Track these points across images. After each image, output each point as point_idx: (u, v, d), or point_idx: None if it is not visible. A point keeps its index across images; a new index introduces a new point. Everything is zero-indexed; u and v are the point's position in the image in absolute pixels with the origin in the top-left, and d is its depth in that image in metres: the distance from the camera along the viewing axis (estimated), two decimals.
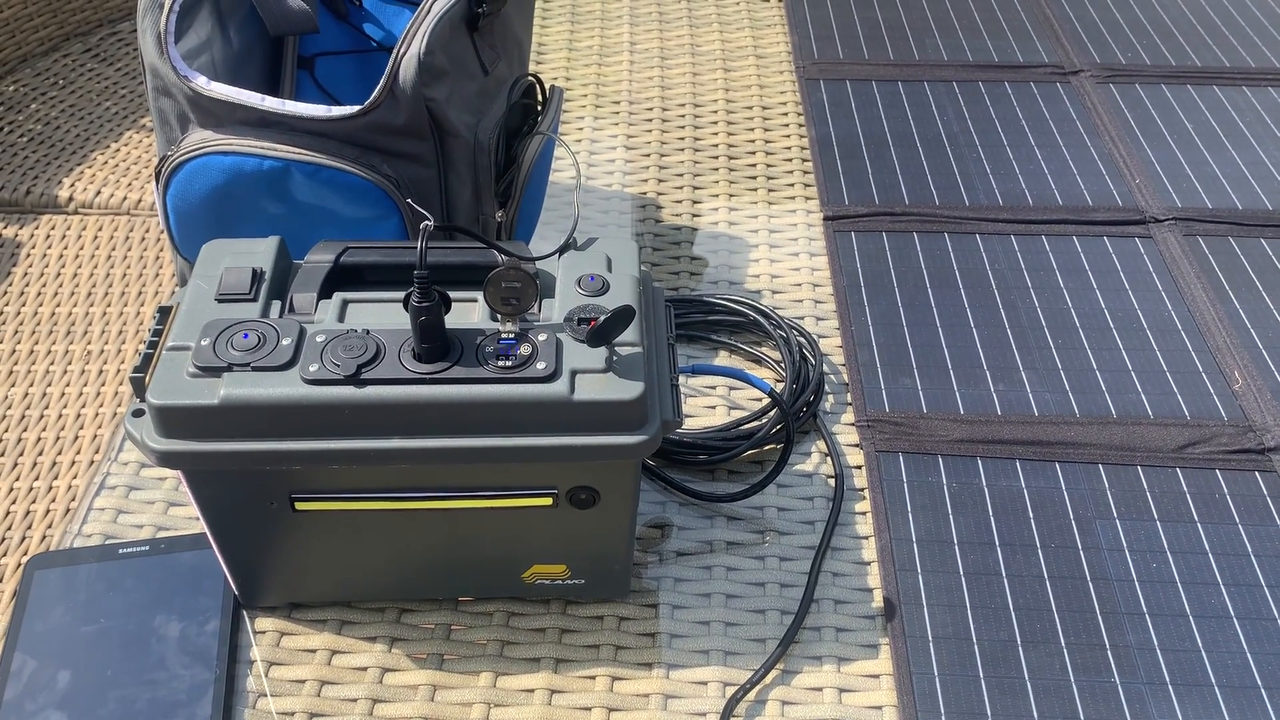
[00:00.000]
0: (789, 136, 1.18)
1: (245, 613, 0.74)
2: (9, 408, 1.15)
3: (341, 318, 0.64)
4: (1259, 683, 0.69)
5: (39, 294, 1.31)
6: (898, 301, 0.96)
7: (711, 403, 0.89)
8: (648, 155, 1.15)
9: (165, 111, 0.81)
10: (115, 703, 0.67)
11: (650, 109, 1.22)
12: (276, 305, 0.65)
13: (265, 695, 0.70)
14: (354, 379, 0.60)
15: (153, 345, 0.63)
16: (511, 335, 0.62)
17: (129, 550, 0.75)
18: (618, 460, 0.62)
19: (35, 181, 1.46)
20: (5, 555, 0.93)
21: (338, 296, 0.65)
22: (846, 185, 1.09)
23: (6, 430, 1.11)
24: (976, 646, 0.71)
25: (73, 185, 1.44)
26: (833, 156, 1.12)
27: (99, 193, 1.43)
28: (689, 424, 0.88)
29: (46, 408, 1.15)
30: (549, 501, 0.66)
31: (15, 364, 1.20)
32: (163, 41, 0.77)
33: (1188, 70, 1.24)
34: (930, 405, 0.87)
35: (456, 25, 0.80)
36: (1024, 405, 0.87)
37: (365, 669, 0.71)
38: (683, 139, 1.18)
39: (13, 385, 1.18)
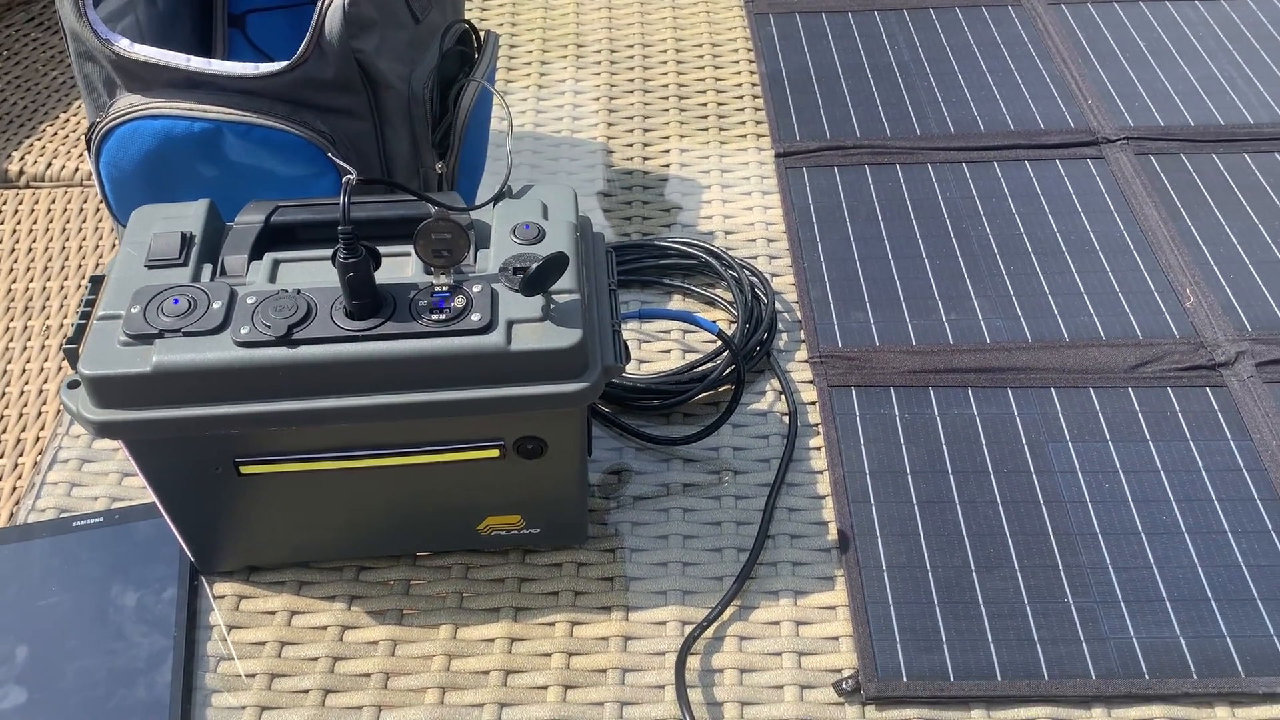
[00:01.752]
0: (740, 74, 1.16)
1: (203, 579, 0.74)
2: None
3: (273, 278, 0.63)
4: (1209, 595, 0.70)
5: None
6: (850, 236, 0.96)
7: (666, 347, 0.89)
8: (596, 99, 1.14)
9: (91, 77, 0.79)
10: (75, 674, 0.67)
11: (599, 51, 1.20)
12: (208, 269, 0.64)
13: (227, 659, 0.70)
14: (285, 339, 0.59)
15: (85, 315, 0.62)
16: (445, 288, 0.61)
17: (82, 523, 0.75)
18: (560, 409, 0.62)
19: None
20: None
21: (269, 257, 0.64)
22: (798, 121, 1.08)
23: None
24: (930, 574, 0.72)
25: (23, 159, 1.42)
26: (784, 92, 1.11)
27: (50, 165, 1.41)
28: (644, 369, 0.87)
29: (8, 385, 1.15)
30: (496, 453, 0.65)
31: None
32: (80, 4, 0.76)
33: None
34: (883, 338, 0.87)
35: None
36: (976, 333, 0.87)
37: (325, 628, 0.71)
38: (632, 80, 1.16)
39: None
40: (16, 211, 1.36)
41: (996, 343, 0.86)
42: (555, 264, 0.60)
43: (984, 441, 0.79)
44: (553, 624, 0.71)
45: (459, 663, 0.70)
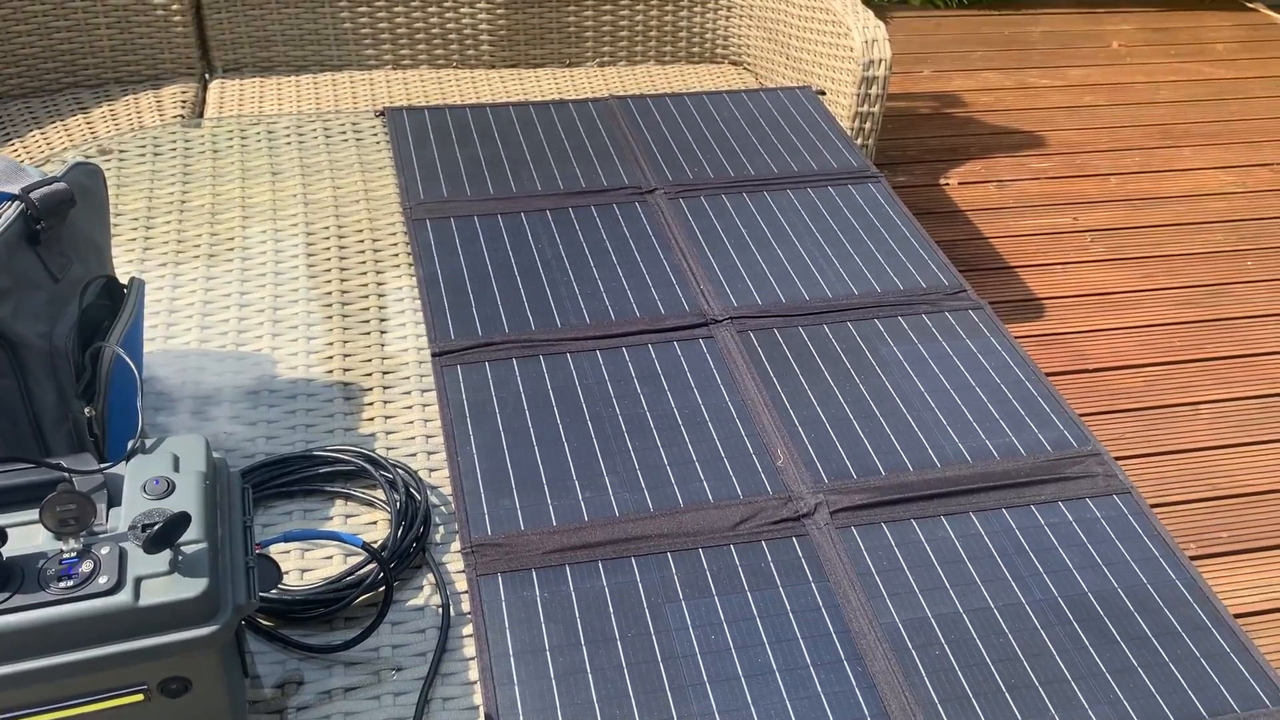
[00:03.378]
0: (399, 277, 1.27)
1: None
2: None
3: None
4: None
5: None
6: (499, 427, 1.07)
7: (328, 554, 0.96)
8: (261, 310, 1.21)
9: None
10: None
11: (263, 261, 1.28)
12: None
13: None
14: None
15: None
16: (74, 554, 0.67)
17: None
18: (194, 651, 0.68)
19: None
20: None
21: None
22: (452, 320, 1.19)
23: None
24: None
25: None
26: (439, 293, 1.22)
27: None
28: (308, 576, 0.94)
29: None
30: (140, 697, 0.70)
31: None
32: None
33: (743, 179, 1.45)
34: (527, 522, 0.98)
35: (15, 243, 0.83)
36: (607, 508, 0.99)
37: None
38: (296, 290, 1.24)
39: None
40: None
41: (624, 515, 0.99)
42: (176, 523, 0.67)
43: (611, 610, 0.91)
44: None
45: None
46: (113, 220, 1.32)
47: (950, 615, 0.92)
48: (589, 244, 1.32)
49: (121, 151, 1.45)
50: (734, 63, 2.49)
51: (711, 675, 0.87)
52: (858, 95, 2.01)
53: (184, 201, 1.37)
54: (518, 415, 1.08)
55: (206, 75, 2.24)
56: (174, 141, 1.48)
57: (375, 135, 1.53)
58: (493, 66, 2.36)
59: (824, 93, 1.71)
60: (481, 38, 2.33)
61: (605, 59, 2.43)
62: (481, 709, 0.85)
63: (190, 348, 1.16)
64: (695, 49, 2.46)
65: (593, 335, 1.18)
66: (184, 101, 2.10)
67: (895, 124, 3.13)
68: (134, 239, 1.30)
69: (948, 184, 2.89)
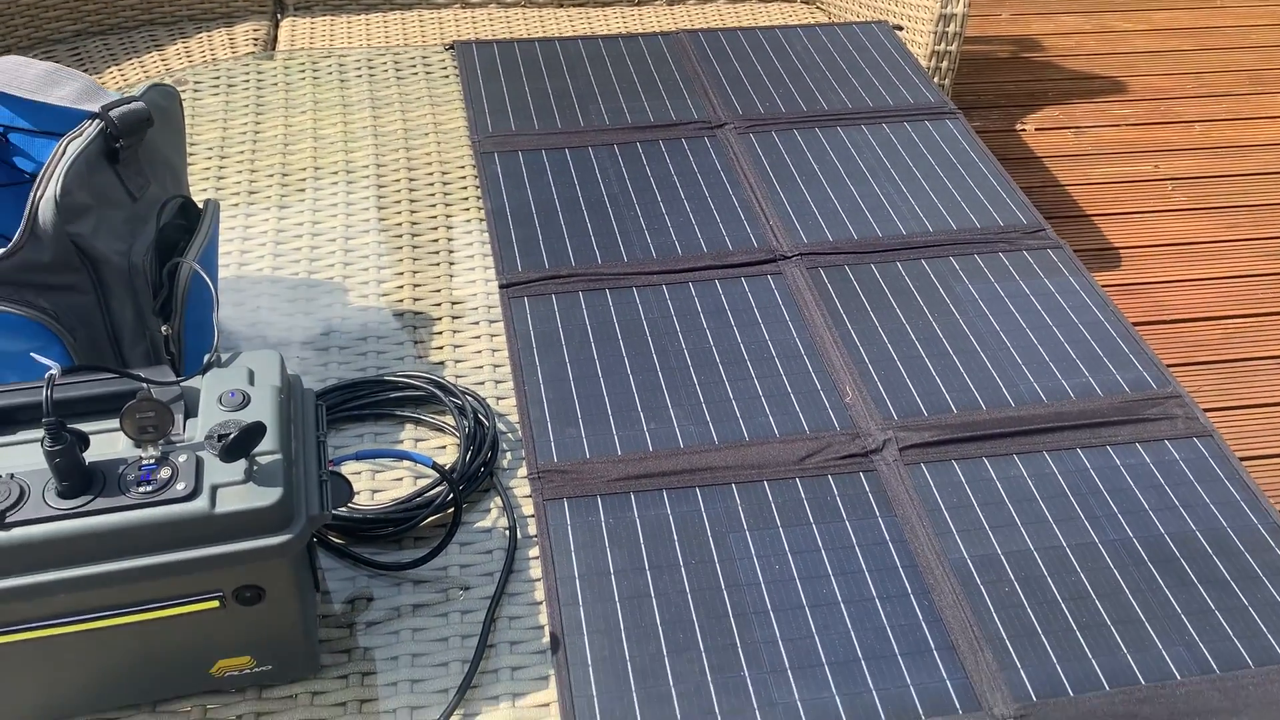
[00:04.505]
0: (468, 210, 1.27)
1: None
2: None
3: None
4: (859, 655, 0.83)
5: None
6: (565, 359, 1.07)
7: (398, 475, 0.97)
8: (333, 240, 1.22)
9: None
10: None
11: (334, 193, 1.29)
12: None
13: None
14: None
15: None
16: (152, 460, 0.68)
17: None
18: (268, 560, 0.69)
19: None
20: None
21: None
22: (520, 253, 1.19)
23: None
24: (629, 664, 0.82)
25: None
26: (507, 227, 1.22)
27: None
28: (378, 498, 0.95)
29: None
30: (216, 604, 0.72)
31: None
32: None
33: (816, 114, 1.42)
34: (592, 451, 0.98)
35: (95, 161, 0.85)
36: (671, 440, 0.99)
37: None
38: (367, 220, 1.25)
39: None
40: None
41: (689, 446, 0.98)
42: (252, 432, 0.68)
43: (675, 538, 0.91)
44: None
45: None
46: (187, 152, 1.34)
47: (1021, 553, 0.90)
48: (656, 179, 1.30)
49: (196, 84, 1.46)
50: (806, 1, 2.43)
51: (775, 604, 0.86)
52: (934, 34, 1.95)
53: (257, 133, 1.38)
54: (583, 347, 1.08)
55: (278, 13, 2.25)
56: (247, 75, 1.49)
57: (445, 69, 1.52)
58: (560, 4, 2.34)
59: (901, 28, 1.66)
60: None
61: None
62: (546, 628, 0.85)
63: (263, 275, 1.18)
64: None
65: (659, 270, 1.17)
66: (255, 39, 2.12)
67: (971, 68, 3.05)
68: (208, 169, 1.32)
69: (1024, 129, 2.81)
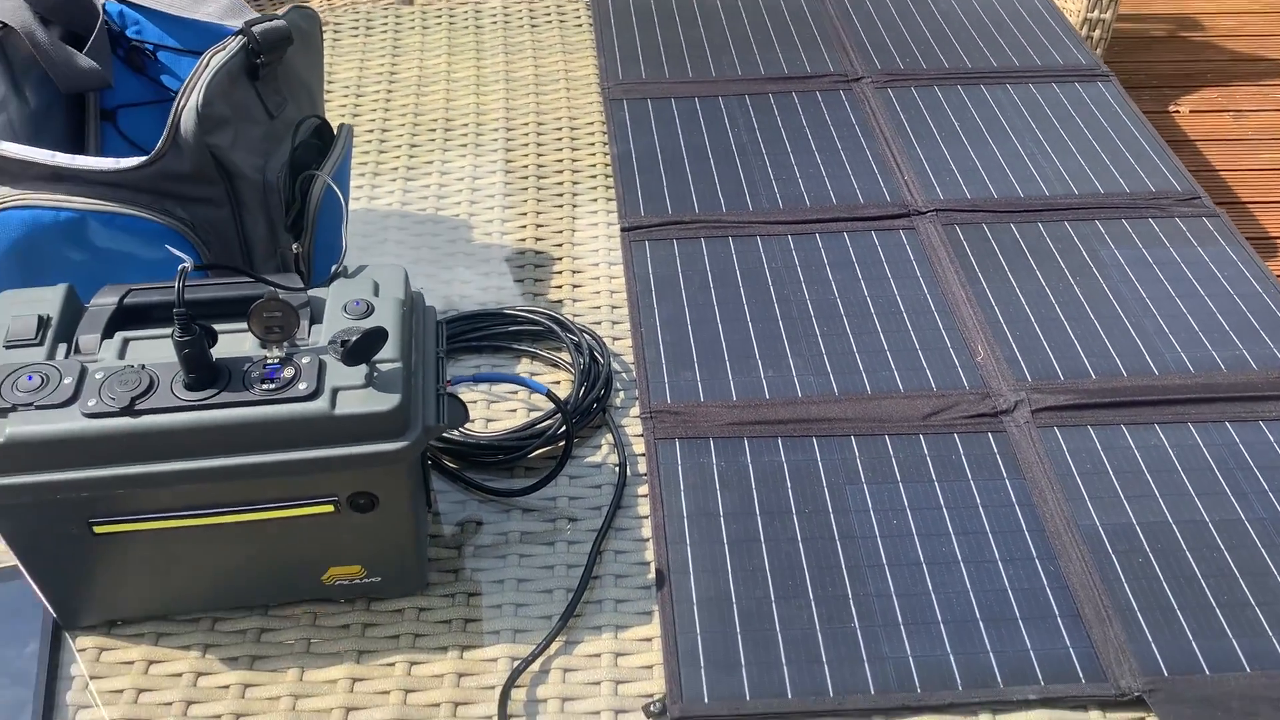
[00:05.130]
0: (594, 155, 1.26)
1: (66, 634, 0.79)
2: None
3: (122, 355, 0.70)
4: (977, 616, 0.79)
5: None
6: (684, 303, 1.05)
7: (512, 407, 0.97)
8: (460, 179, 1.23)
9: None
10: None
11: (464, 135, 1.29)
12: (62, 348, 0.71)
13: (85, 706, 0.75)
14: (129, 410, 0.66)
15: None
16: (276, 360, 0.69)
17: None
18: (384, 466, 0.70)
19: None
20: None
21: (119, 336, 0.71)
22: (643, 198, 1.18)
23: None
24: (735, 605, 0.80)
25: None
26: (631, 172, 1.21)
27: None
28: (491, 427, 0.95)
29: None
30: (331, 509, 0.72)
31: None
32: None
33: (959, 72, 1.36)
34: (707, 395, 0.96)
35: (236, 75, 0.86)
36: (789, 388, 0.96)
37: (180, 674, 0.77)
38: (494, 162, 1.25)
39: None
40: None
41: (807, 396, 0.96)
42: (374, 336, 0.68)
43: (789, 485, 0.88)
44: (392, 664, 0.78)
45: (304, 702, 0.76)
46: (325, 91, 1.36)
47: (1158, 524, 0.85)
48: (787, 129, 1.27)
49: (336, 25, 1.49)
50: None
51: (890, 558, 0.83)
52: (1088, 3, 1.86)
53: (393, 74, 1.40)
54: (703, 292, 1.06)
55: None
56: (385, 18, 1.51)
57: (579, 19, 1.51)
58: None
59: None
60: None
61: None
62: (652, 565, 0.84)
63: (391, 209, 1.19)
64: None
65: (785, 220, 1.14)
66: None
67: (1123, 45, 2.90)
68: (344, 105, 1.34)
69: (1178, 111, 2.66)
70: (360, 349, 0.68)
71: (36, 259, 0.85)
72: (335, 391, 0.68)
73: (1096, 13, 1.87)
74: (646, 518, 0.88)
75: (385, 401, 0.68)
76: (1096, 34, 1.89)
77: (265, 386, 0.67)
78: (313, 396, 0.67)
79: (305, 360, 0.69)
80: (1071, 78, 1.36)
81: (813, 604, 0.80)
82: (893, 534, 0.85)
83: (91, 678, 0.77)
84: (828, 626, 0.79)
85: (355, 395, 0.68)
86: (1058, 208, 1.16)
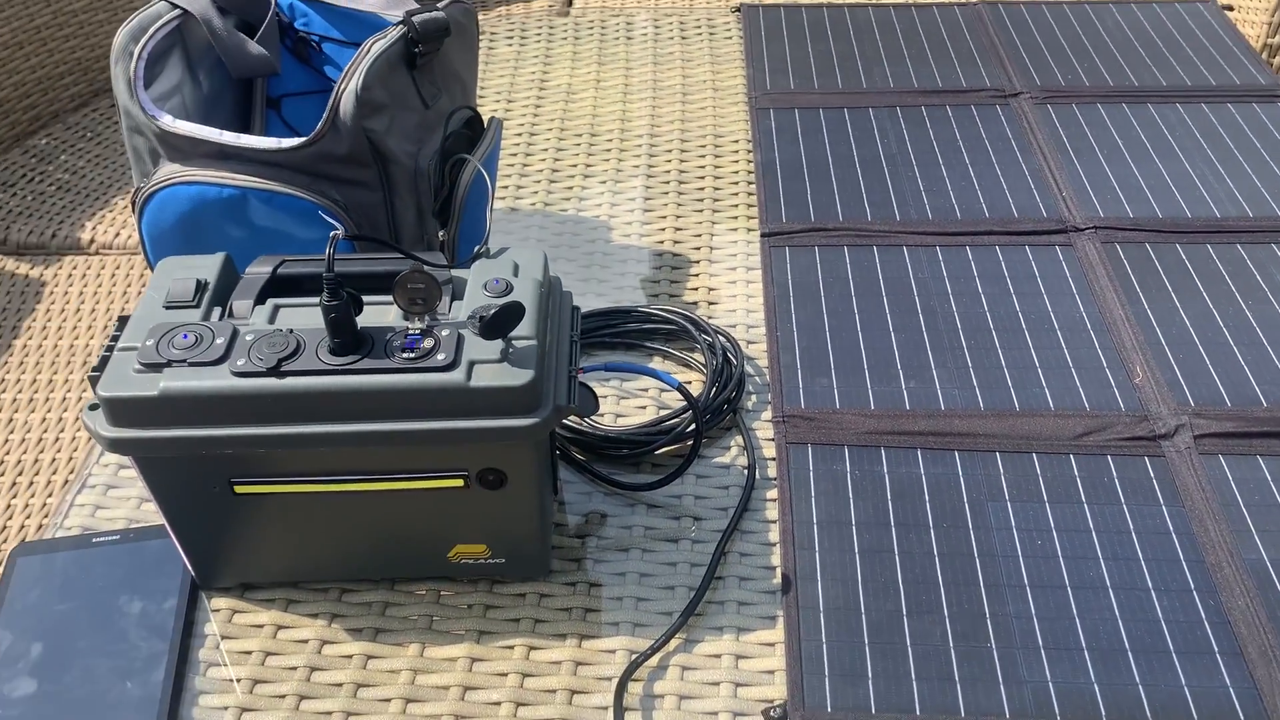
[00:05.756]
0: (737, 163, 1.25)
1: (202, 593, 0.81)
2: (28, 431, 1.26)
3: (272, 320, 0.72)
4: (1126, 646, 0.74)
5: (59, 328, 1.42)
6: (823, 309, 1.03)
7: (642, 403, 0.96)
8: (604, 182, 1.24)
9: (139, 148, 0.90)
10: (80, 670, 0.75)
11: (609, 140, 1.30)
12: (217, 311, 0.73)
13: (215, 665, 0.77)
14: (274, 371, 0.68)
15: (109, 348, 0.72)
16: (417, 331, 0.70)
17: (101, 539, 0.84)
18: (515, 441, 0.70)
19: (60, 226, 1.58)
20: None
21: (271, 302, 0.73)
22: (785, 205, 1.16)
23: (25, 451, 1.23)
24: (864, 616, 0.77)
25: (94, 228, 1.56)
26: (775, 179, 1.19)
27: (118, 234, 1.55)
28: (620, 422, 0.94)
29: (61, 431, 1.26)
30: (461, 483, 0.73)
31: (35, 392, 1.31)
32: (132, 85, 0.87)
33: (1124, 90, 1.30)
34: (843, 402, 0.93)
35: (395, 63, 0.89)
36: (932, 400, 0.93)
37: (306, 641, 0.78)
38: (637, 166, 1.26)
39: (33, 411, 1.28)
40: (84, 276, 1.50)
41: (950, 409, 0.92)
42: (512, 312, 0.68)
43: (927, 498, 0.85)
44: (511, 647, 0.78)
45: (423, 678, 0.76)
46: (478, 96, 1.39)
47: None
48: (939, 141, 1.23)
49: (492, 32, 1.53)
50: None
51: (1033, 579, 0.78)
52: (1270, 24, 1.76)
53: (543, 81, 1.42)
54: (844, 300, 1.04)
55: None
56: (539, 28, 1.54)
57: (729, 31, 1.51)
58: None
59: (1231, 8, 1.51)
60: None
61: None
62: (779, 569, 0.81)
63: (535, 209, 1.20)
64: None
65: (934, 231, 1.11)
66: (552, 11, 2.20)
67: None
68: (495, 109, 1.37)
69: None
70: (497, 323, 0.68)
71: (200, 233, 0.89)
72: (472, 364, 0.68)
73: (1278, 38, 1.76)
74: (774, 522, 0.85)
75: (519, 376, 0.68)
76: (1277, 60, 1.79)
77: (405, 355, 0.68)
78: (450, 367, 0.68)
79: (445, 333, 0.70)
80: (1249, 98, 1.28)
81: (947, 620, 0.76)
82: (1036, 554, 0.80)
83: (223, 638, 0.79)
84: (962, 644, 0.75)
85: (490, 369, 0.68)
86: (1229, 230, 1.09)
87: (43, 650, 0.77)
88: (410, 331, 0.70)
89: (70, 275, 1.50)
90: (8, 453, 1.22)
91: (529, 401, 0.69)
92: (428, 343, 0.69)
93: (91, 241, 1.55)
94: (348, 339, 0.68)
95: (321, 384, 0.67)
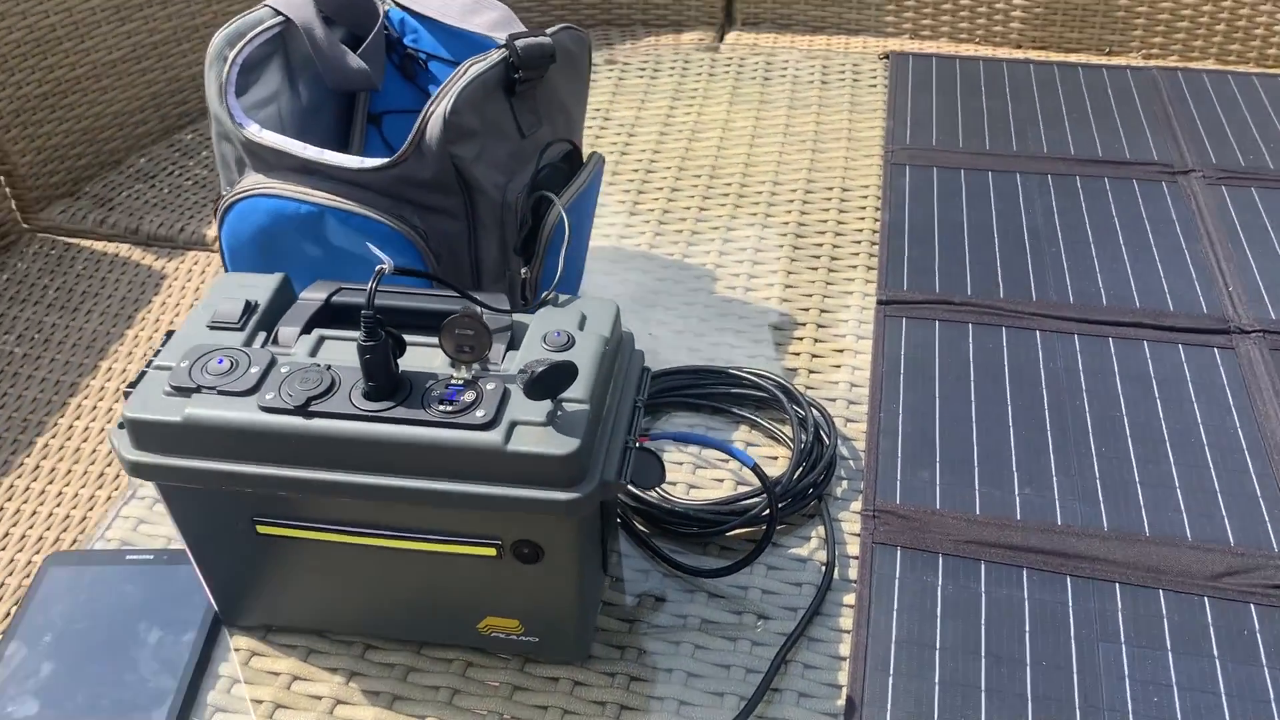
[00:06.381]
0: (863, 220, 1.16)
1: (225, 629, 0.77)
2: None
3: (314, 352, 0.67)
4: None
5: (171, 321, 1.43)
6: (935, 392, 0.92)
7: (720, 475, 0.88)
8: (716, 228, 1.16)
9: (225, 155, 0.87)
10: (84, 697, 0.71)
11: (728, 184, 1.23)
12: (261, 336, 0.69)
13: (223, 711, 0.72)
14: (302, 410, 0.62)
15: (150, 364, 0.68)
16: (460, 381, 0.63)
17: (135, 557, 0.80)
18: (549, 514, 0.62)
19: (190, 221, 1.60)
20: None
21: (317, 333, 0.68)
22: (909, 271, 1.06)
23: None
24: None
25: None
26: (901, 241, 1.09)
27: None
28: (693, 494, 0.86)
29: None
30: (494, 552, 0.66)
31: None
32: (223, 91, 0.84)
33: None
34: (945, 502, 0.82)
35: (492, 89, 0.83)
36: (1048, 512, 0.81)
37: (320, 698, 0.73)
38: (754, 215, 1.18)
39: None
40: (204, 270, 1.51)
41: (1068, 526, 0.80)
42: (563, 371, 0.61)
43: (1028, 629, 0.73)
44: None
45: None
46: (599, 128, 1.34)
47: None
48: (1092, 216, 1.11)
49: (625, 63, 1.47)
50: None
51: None
52: None
53: (669, 118, 1.36)
54: (960, 384, 0.93)
55: (726, 25, 2.27)
56: (674, 62, 1.48)
57: (874, 79, 1.42)
58: (1019, 45, 2.15)
59: None
60: (1014, 14, 2.13)
61: (1153, 51, 2.12)
62: (845, 690, 0.72)
63: (639, 250, 1.14)
64: (1273, 51, 2.07)
65: (1074, 317, 0.99)
66: (700, 46, 2.14)
67: None
68: (615, 143, 1.31)
69: None
70: (545, 383, 0.61)
71: (276, 247, 0.85)
72: (513, 425, 0.62)
73: None
74: (847, 633, 0.75)
75: (563, 445, 0.61)
76: None
77: (442, 408, 0.62)
78: (487, 427, 0.61)
79: (490, 386, 0.63)
80: None
81: None
82: (1152, 714, 0.68)
83: (235, 681, 0.74)
84: None
85: (533, 432, 0.61)
86: None
87: (52, 671, 0.73)
88: (454, 381, 0.63)
89: (190, 270, 1.52)
90: (101, 442, 1.21)
91: (572, 473, 0.61)
92: (469, 395, 0.62)
93: (215, 238, 1.56)
94: (383, 383, 0.62)
95: (347, 429, 0.62)
